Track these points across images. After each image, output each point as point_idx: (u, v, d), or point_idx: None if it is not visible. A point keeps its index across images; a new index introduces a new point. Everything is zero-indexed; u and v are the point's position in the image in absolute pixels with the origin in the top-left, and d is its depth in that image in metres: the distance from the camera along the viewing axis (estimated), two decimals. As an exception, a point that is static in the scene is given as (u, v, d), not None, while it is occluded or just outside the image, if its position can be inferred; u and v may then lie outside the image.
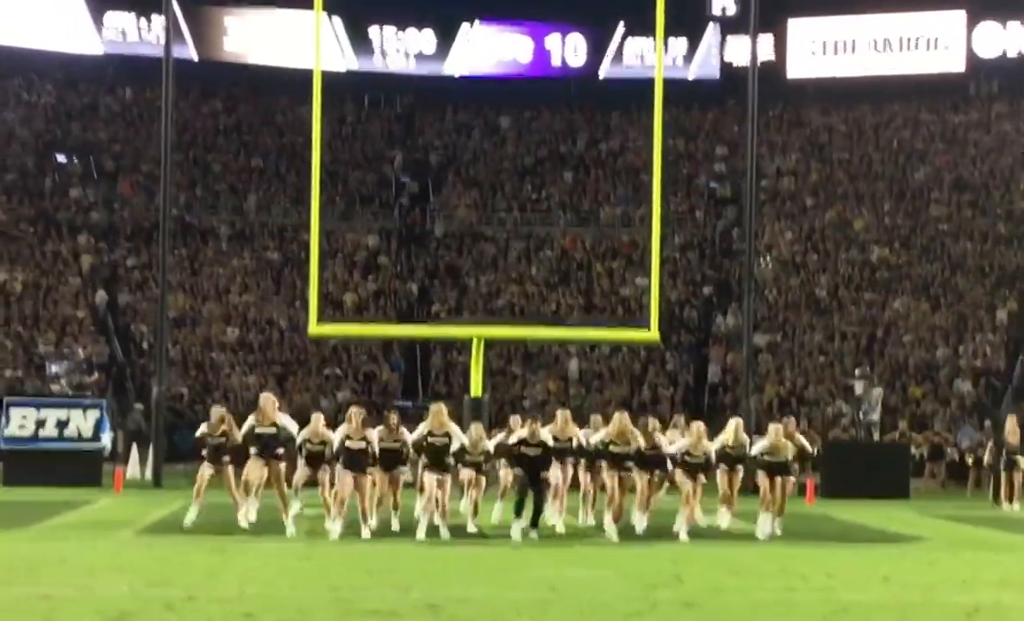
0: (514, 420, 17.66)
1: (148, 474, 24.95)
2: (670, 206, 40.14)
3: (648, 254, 24.57)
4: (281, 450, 15.68)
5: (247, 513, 15.85)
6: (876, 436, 26.93)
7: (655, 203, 22.18)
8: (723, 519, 16.50)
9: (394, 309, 36.99)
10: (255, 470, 15.56)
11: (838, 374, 33.51)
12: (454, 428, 15.66)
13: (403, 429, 15.74)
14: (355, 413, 15.42)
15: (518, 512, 15.07)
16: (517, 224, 40.65)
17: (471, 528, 15.79)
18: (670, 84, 40.64)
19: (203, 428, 15.96)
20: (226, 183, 41.03)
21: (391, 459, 15.47)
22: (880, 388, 28.23)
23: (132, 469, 25.24)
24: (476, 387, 22.72)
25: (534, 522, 15.16)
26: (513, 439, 15.92)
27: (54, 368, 31.48)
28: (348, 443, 15.09)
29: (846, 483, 23.68)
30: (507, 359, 35.07)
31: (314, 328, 22.75)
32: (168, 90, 26.47)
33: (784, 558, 13.63)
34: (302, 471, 15.75)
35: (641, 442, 15.71)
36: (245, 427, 15.64)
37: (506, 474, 16.77)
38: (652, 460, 15.77)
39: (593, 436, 16.39)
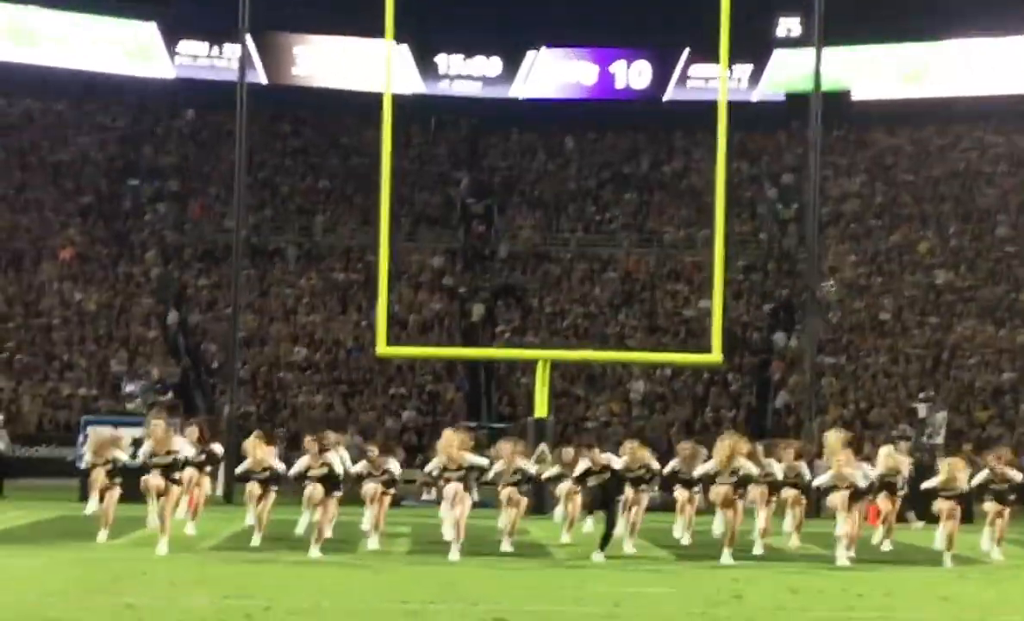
0: (566, 452, 17.67)
1: (219, 491, 25.52)
2: (733, 228, 40.30)
3: (711, 276, 24.77)
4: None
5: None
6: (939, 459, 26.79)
7: (718, 226, 22.44)
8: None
9: (458, 329, 37.43)
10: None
11: (902, 397, 33.43)
12: (470, 459, 15.47)
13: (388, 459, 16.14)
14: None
15: (603, 545, 15.28)
16: (581, 245, 40.95)
17: (505, 547, 15.95)
18: (734, 107, 41.00)
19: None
20: (294, 205, 41.77)
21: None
22: (944, 411, 28.15)
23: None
24: (541, 408, 23.07)
25: (602, 546, 15.36)
26: (578, 470, 15.95)
27: (129, 387, 32.24)
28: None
29: (912, 507, 23.63)
30: (570, 380, 35.33)
31: (382, 348, 23.22)
32: (242, 114, 27.12)
33: (845, 579, 13.80)
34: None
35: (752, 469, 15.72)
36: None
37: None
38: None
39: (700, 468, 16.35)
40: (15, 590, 11.84)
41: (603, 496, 15.46)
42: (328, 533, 15.63)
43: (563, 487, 16.54)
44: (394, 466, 16.56)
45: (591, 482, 15.47)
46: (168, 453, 15.19)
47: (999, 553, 15.92)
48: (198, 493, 17.57)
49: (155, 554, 14.42)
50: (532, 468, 16.91)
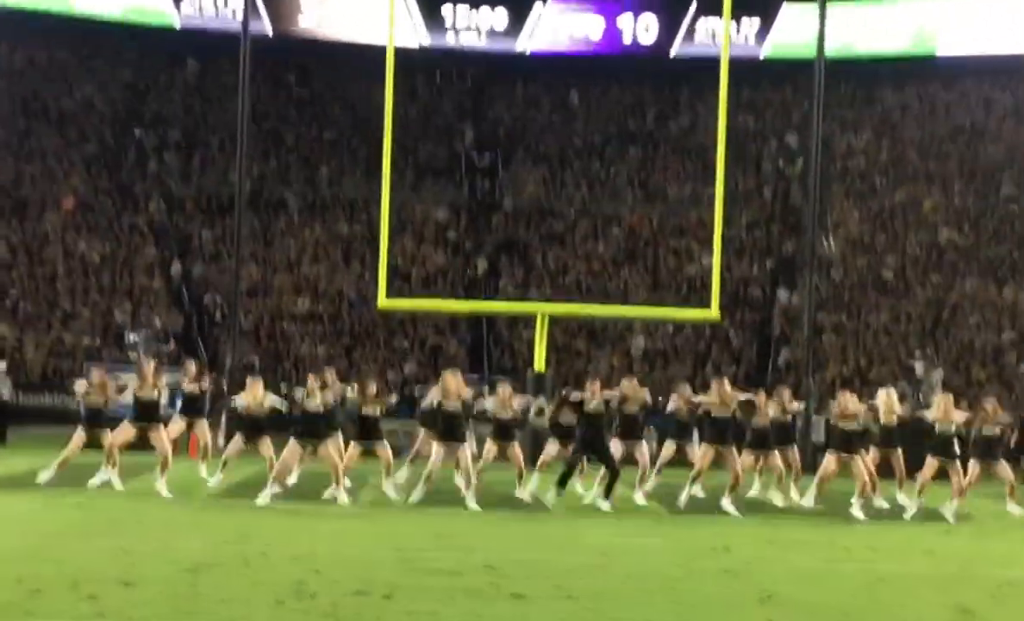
0: (567, 390, 17.89)
1: (220, 440, 25.72)
2: (738, 184, 40.30)
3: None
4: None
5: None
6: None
7: (719, 183, 22.50)
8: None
9: (461, 283, 37.54)
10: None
11: (902, 355, 33.54)
12: (469, 394, 15.88)
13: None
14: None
15: (562, 483, 15.48)
16: (585, 201, 40.97)
17: (520, 494, 16.19)
18: (742, 62, 41.13)
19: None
20: (298, 156, 41.80)
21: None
22: (940, 370, 28.28)
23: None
24: (540, 362, 23.24)
25: (607, 494, 15.49)
26: (575, 397, 16.11)
27: (132, 337, 32.41)
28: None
29: (908, 464, 23.80)
30: (572, 335, 35.48)
31: (383, 301, 23.36)
32: (245, 65, 27.15)
33: (832, 533, 14.02)
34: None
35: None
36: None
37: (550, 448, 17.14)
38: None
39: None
40: (16, 531, 12.09)
41: (591, 435, 15.60)
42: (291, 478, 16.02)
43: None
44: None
45: (590, 410, 15.61)
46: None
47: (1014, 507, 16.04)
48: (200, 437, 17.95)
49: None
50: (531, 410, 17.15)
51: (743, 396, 16.35)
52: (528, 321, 31.50)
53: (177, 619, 8.15)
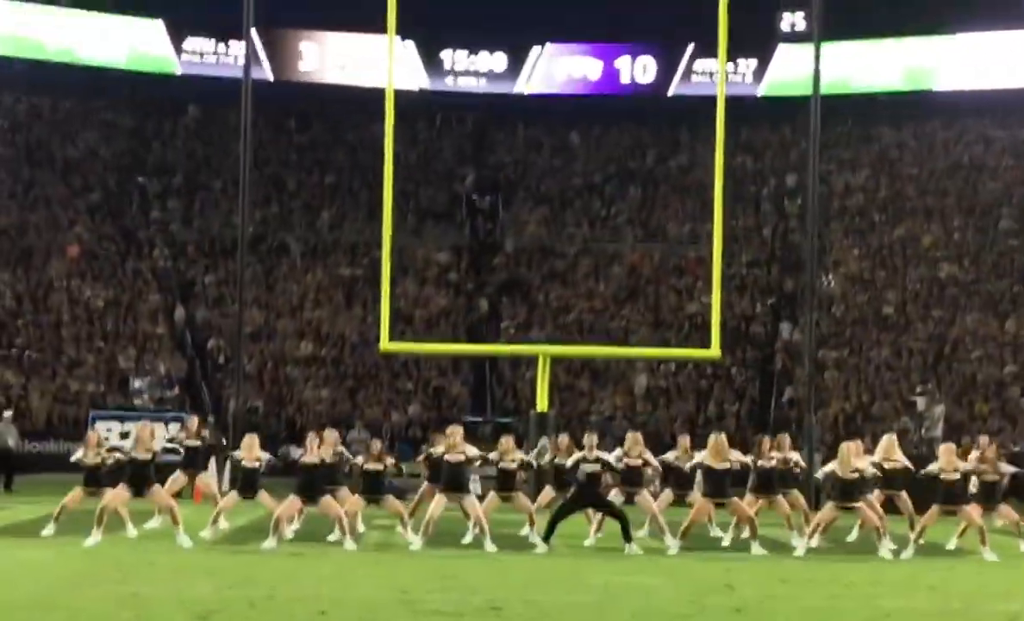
0: (561, 439, 18.11)
1: (225, 485, 25.80)
2: (738, 222, 40.53)
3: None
4: None
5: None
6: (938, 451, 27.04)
7: (716, 221, 22.69)
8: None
9: (464, 324, 37.70)
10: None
11: (904, 390, 33.63)
12: (470, 449, 16.12)
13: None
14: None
15: (547, 533, 15.60)
16: (586, 240, 41.19)
17: (529, 535, 16.34)
18: (740, 102, 41.44)
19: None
20: (300, 200, 42.07)
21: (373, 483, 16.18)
22: (942, 405, 28.37)
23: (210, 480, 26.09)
24: (542, 402, 23.35)
25: (627, 537, 15.60)
26: (572, 459, 16.33)
27: (137, 383, 32.55)
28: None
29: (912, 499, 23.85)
30: (575, 374, 35.59)
31: (385, 344, 23.49)
32: (247, 111, 27.41)
33: (836, 569, 14.10)
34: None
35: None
36: None
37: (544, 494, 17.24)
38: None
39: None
40: (27, 580, 12.19)
41: (589, 491, 15.72)
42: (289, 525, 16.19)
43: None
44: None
45: (587, 469, 15.73)
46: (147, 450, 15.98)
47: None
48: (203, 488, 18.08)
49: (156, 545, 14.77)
50: (532, 460, 17.28)
51: (738, 457, 16.43)
52: (530, 361, 31.62)
53: (188, 663, 8.25)
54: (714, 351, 22.92)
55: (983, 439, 17.13)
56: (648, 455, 16.81)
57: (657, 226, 41.79)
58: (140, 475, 15.86)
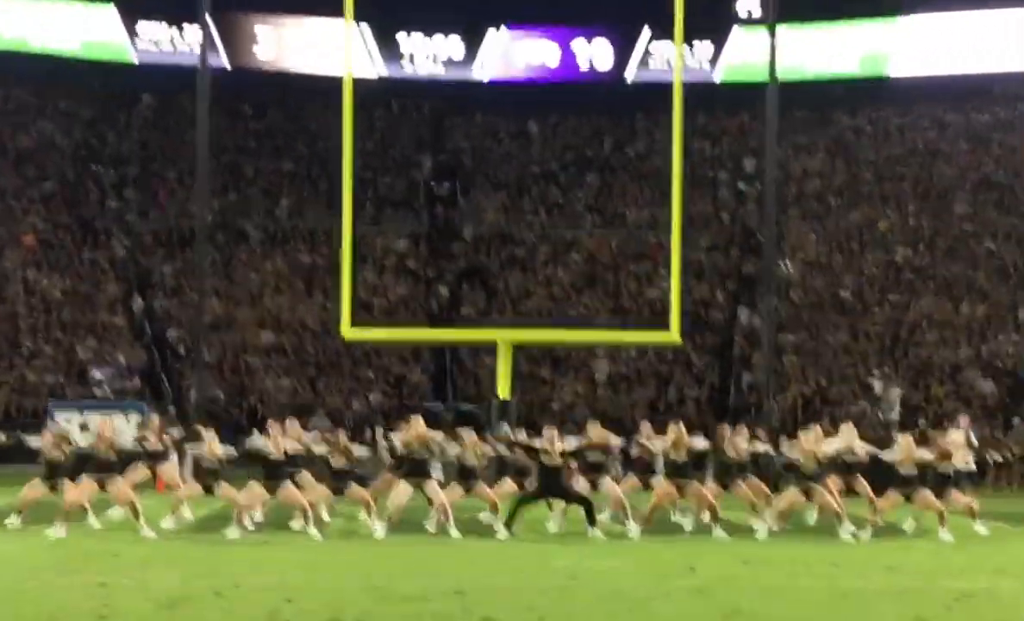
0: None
1: (188, 476, 25.72)
2: (697, 208, 40.76)
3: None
4: None
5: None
6: (895, 435, 27.40)
7: (675, 207, 22.84)
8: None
9: (424, 311, 37.72)
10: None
11: (862, 374, 33.99)
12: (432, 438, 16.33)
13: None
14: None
15: (509, 521, 15.73)
16: (545, 227, 41.29)
17: (486, 518, 16.45)
18: (697, 87, 41.56)
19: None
20: (258, 188, 41.90)
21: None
22: (898, 388, 28.71)
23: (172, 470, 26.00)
24: (503, 389, 23.46)
25: (591, 521, 15.70)
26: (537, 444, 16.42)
27: (97, 374, 32.35)
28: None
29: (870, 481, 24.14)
30: (536, 362, 35.71)
31: (347, 332, 23.50)
32: (204, 98, 27.28)
33: (795, 550, 14.32)
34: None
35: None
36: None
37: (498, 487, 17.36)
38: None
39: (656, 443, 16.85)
40: (-10, 571, 12.16)
41: (549, 482, 15.85)
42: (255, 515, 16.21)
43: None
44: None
45: (546, 461, 15.86)
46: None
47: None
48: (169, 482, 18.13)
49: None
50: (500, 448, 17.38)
51: (698, 443, 16.63)
52: (491, 349, 31.72)
53: (156, 651, 8.29)
54: (673, 335, 23.11)
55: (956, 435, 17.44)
56: (611, 438, 16.94)
57: (615, 212, 41.94)
58: (104, 471, 15.87)
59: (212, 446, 16.27)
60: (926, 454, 16.38)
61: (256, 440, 15.98)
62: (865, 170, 42.62)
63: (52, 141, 41.85)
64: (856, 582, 11.82)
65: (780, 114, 34.26)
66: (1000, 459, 19.26)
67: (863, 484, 17.26)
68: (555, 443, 15.96)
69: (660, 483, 16.75)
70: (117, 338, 35.00)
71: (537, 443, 16.22)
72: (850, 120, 44.88)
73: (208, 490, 16.21)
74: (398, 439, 16.57)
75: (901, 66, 43.49)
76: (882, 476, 16.88)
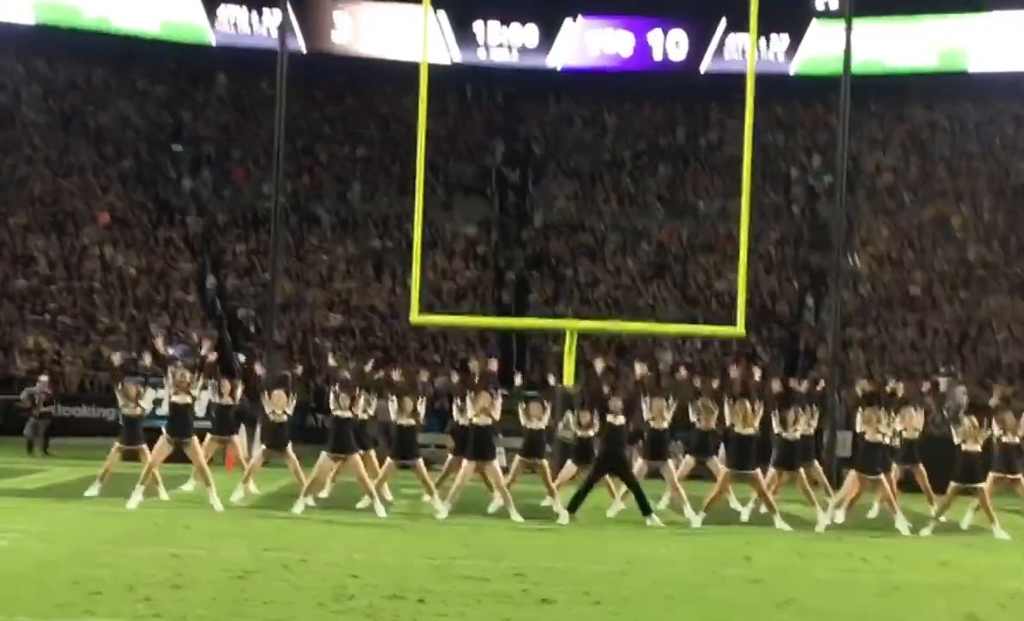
0: (583, 416, 18.30)
1: (255, 453, 26.23)
2: (768, 200, 40.64)
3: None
4: None
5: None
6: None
7: (744, 200, 22.88)
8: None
9: (492, 298, 38.00)
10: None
11: (928, 370, 33.73)
12: (496, 412, 16.43)
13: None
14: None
15: (572, 506, 15.89)
16: (615, 216, 41.38)
17: (551, 505, 16.65)
18: (772, 78, 41.41)
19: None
20: (331, 172, 42.42)
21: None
22: (964, 386, 28.51)
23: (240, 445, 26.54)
24: (568, 377, 23.66)
25: (645, 509, 15.85)
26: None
27: (170, 350, 32.96)
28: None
29: (933, 479, 24.05)
30: (601, 350, 35.78)
31: (416, 317, 23.84)
32: (282, 81, 27.70)
33: (852, 544, 14.40)
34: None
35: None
36: None
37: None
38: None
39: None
40: (70, 538, 12.64)
41: (611, 452, 16.00)
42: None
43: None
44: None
45: (601, 440, 16.06)
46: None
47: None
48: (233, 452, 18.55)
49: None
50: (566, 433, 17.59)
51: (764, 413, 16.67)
52: (558, 336, 31.93)
53: (228, 620, 8.63)
54: (739, 329, 23.17)
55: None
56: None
57: (686, 203, 41.91)
58: (181, 421, 16.20)
59: (282, 405, 16.56)
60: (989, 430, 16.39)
61: (330, 403, 16.28)
62: (940, 165, 42.21)
63: (129, 120, 42.65)
64: (910, 576, 11.92)
65: (855, 108, 34.07)
66: None
67: (922, 473, 17.26)
68: (620, 410, 16.13)
69: (720, 467, 16.80)
70: (189, 316, 35.69)
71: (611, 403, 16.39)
72: (926, 115, 44.43)
73: (277, 447, 16.45)
74: (467, 410, 16.67)
75: (980, 61, 42.97)
76: (941, 473, 16.88)
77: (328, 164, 42.75)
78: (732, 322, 25.58)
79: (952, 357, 34.07)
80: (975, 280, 37.58)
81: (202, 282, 37.40)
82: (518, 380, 22.54)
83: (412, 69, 24.92)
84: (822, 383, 17.76)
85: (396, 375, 19.08)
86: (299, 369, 20.71)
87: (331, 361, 19.05)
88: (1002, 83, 42.67)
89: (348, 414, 16.06)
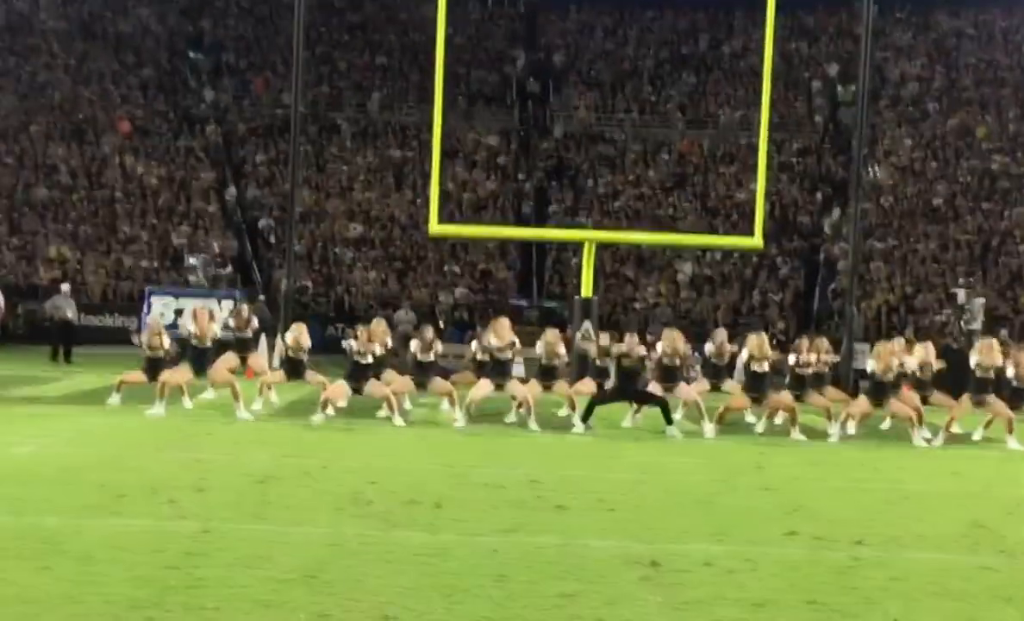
0: (603, 338, 18.58)
1: (276, 363, 26.50)
2: (790, 109, 40.32)
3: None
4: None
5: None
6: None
7: (764, 110, 22.78)
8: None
9: (512, 208, 38.01)
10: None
11: (949, 282, 33.72)
12: (516, 344, 16.61)
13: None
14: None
15: (585, 416, 16.12)
16: (636, 126, 41.19)
17: (572, 419, 16.85)
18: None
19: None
20: (351, 81, 42.27)
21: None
22: (982, 297, 28.50)
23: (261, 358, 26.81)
24: (587, 288, 23.75)
25: (668, 420, 16.06)
26: (615, 349, 16.75)
27: (191, 260, 33.24)
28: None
29: (950, 391, 24.10)
30: (620, 261, 35.92)
31: (434, 227, 23.91)
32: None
33: (865, 454, 14.56)
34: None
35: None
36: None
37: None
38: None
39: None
40: (94, 444, 12.90)
41: (626, 385, 16.19)
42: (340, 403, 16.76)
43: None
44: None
45: (625, 364, 16.21)
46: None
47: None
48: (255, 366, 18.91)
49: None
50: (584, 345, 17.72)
51: (777, 356, 16.83)
52: (577, 247, 32.00)
53: (250, 521, 8.85)
54: (756, 240, 23.17)
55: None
56: (685, 348, 17.15)
57: (708, 113, 41.65)
58: (200, 359, 16.68)
59: (301, 340, 16.88)
60: (1003, 362, 16.42)
61: (346, 344, 16.49)
62: (965, 74, 41.77)
63: (148, 28, 42.52)
64: (920, 486, 12.08)
65: (880, 15, 33.65)
66: None
67: (937, 395, 17.36)
68: (635, 349, 16.28)
69: (735, 388, 17.03)
70: (210, 225, 35.85)
71: (615, 349, 16.56)
72: (952, 22, 43.89)
73: (296, 375, 16.89)
74: (483, 342, 16.97)
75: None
76: (957, 384, 16.97)
77: (347, 73, 42.59)
78: (751, 233, 25.55)
79: (974, 269, 33.99)
80: (999, 191, 37.36)
81: (222, 192, 37.51)
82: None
83: (432, -25, 24.73)
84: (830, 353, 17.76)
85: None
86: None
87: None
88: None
89: (367, 358, 16.29)
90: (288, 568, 7.31)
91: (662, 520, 9.52)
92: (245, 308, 19.14)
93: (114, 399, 16.68)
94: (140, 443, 13.04)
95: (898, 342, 17.95)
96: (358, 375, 16.25)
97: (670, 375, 16.81)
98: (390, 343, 17.22)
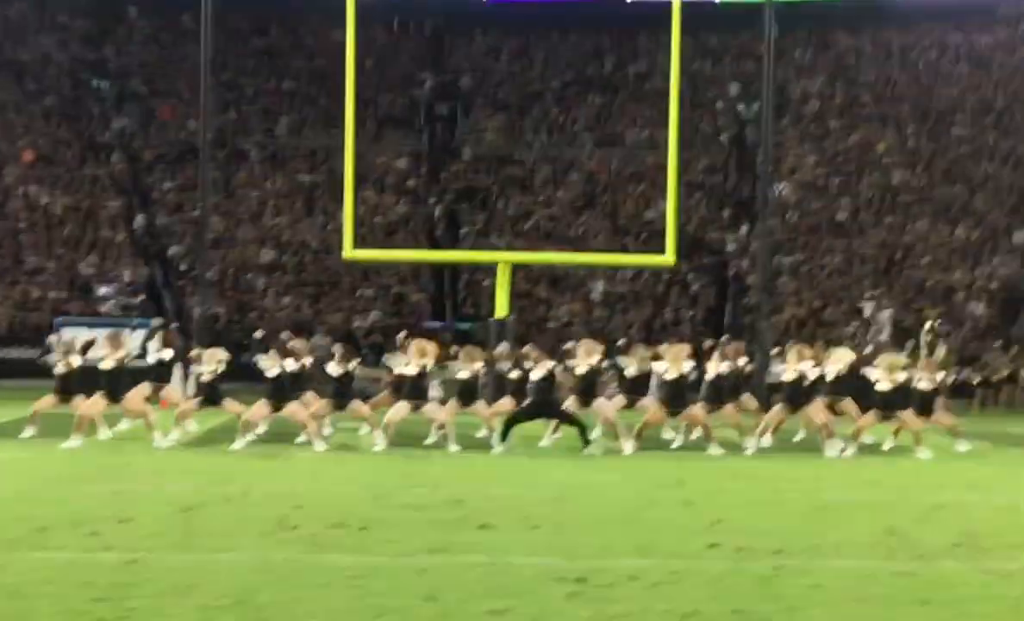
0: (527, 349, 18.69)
1: (189, 391, 26.22)
2: (696, 129, 40.93)
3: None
4: None
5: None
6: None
7: (672, 129, 23.12)
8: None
9: (423, 231, 38.05)
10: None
11: (855, 296, 34.45)
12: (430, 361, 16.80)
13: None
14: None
15: (503, 435, 16.24)
16: (545, 147, 41.49)
17: (492, 440, 16.94)
18: (700, 6, 41.51)
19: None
20: (258, 106, 42.02)
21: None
22: (889, 310, 29.18)
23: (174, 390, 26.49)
24: (501, 309, 23.89)
25: (584, 441, 16.16)
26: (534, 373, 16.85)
27: (103, 289, 32.76)
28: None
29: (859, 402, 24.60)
30: (533, 281, 36.11)
31: (349, 252, 23.88)
32: (207, 13, 27.40)
33: (781, 466, 14.86)
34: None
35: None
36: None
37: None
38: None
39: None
40: (13, 477, 12.71)
41: (542, 399, 16.33)
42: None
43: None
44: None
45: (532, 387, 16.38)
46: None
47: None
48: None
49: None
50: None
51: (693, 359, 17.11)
52: (490, 268, 32.13)
53: (177, 551, 8.80)
54: (668, 257, 23.49)
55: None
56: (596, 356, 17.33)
57: (615, 133, 42.10)
58: (114, 384, 16.43)
59: (215, 364, 16.75)
60: (905, 375, 16.84)
61: (262, 360, 16.44)
62: (865, 92, 42.75)
63: (50, 56, 41.89)
64: (837, 495, 12.38)
65: (780, 34, 34.33)
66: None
67: (850, 404, 17.73)
68: (541, 362, 16.42)
69: (652, 404, 17.23)
70: (119, 254, 35.37)
71: (527, 365, 16.70)
72: (850, 40, 44.90)
73: (211, 403, 16.74)
74: (398, 363, 17.04)
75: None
76: (867, 398, 17.35)
77: (254, 98, 42.34)
78: (663, 251, 25.87)
79: (879, 282, 34.76)
80: (900, 205, 38.26)
81: (130, 220, 37.03)
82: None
83: (339, 1, 24.73)
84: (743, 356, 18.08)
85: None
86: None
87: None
88: (925, 9, 43.23)
89: (280, 370, 16.25)
90: (218, 594, 7.30)
91: (587, 536, 9.65)
92: (163, 333, 18.90)
93: (28, 431, 16.41)
94: (58, 476, 12.88)
95: (803, 348, 18.12)
96: (278, 395, 16.18)
97: (588, 390, 16.96)
98: (309, 361, 17.17)
